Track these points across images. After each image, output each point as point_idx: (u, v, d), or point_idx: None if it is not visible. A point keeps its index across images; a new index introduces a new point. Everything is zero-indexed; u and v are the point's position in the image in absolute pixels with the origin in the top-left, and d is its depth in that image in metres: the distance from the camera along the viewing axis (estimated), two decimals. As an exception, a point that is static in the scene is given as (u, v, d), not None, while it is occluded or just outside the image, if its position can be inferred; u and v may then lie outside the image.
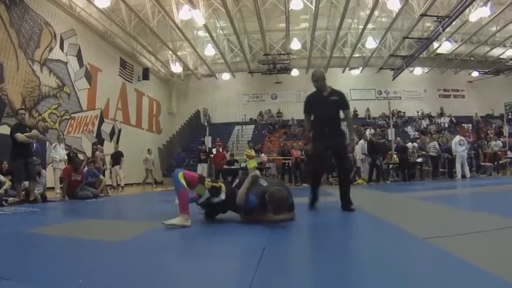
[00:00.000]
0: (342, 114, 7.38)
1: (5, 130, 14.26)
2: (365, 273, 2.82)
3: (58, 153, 16.38)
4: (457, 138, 19.99)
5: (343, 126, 7.56)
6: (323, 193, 9.49)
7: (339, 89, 7.49)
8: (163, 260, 3.51)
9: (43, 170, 13.71)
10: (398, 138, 22.51)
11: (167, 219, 5.04)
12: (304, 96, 7.65)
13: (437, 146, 20.90)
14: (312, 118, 7.53)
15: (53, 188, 15.66)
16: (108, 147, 22.09)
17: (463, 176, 19.30)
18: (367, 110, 36.36)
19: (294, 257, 3.48)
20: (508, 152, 24.14)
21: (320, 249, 3.81)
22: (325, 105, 7.17)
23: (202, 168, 21.09)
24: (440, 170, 21.17)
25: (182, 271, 3.13)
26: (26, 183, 11.29)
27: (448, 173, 20.79)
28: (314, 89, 7.45)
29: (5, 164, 12.18)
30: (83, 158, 17.82)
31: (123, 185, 20.11)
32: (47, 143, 18.49)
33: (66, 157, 16.45)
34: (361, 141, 20.33)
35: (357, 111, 35.49)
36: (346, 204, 6.88)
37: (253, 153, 20.17)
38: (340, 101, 7.30)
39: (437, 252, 3.30)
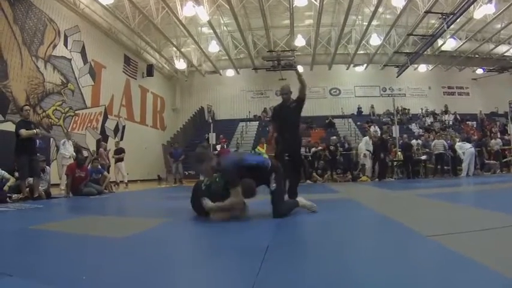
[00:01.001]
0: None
1: (9, 127, 14.29)
2: (370, 272, 2.80)
3: (67, 149, 16.43)
4: (460, 143, 20.24)
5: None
6: (326, 190, 9.47)
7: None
8: (166, 257, 3.50)
9: (47, 167, 13.72)
10: (405, 135, 22.47)
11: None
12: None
13: (445, 144, 20.81)
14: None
15: (57, 185, 15.70)
16: (113, 144, 22.06)
17: (467, 174, 19.32)
18: (372, 107, 36.30)
19: (297, 256, 3.45)
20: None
21: (324, 248, 3.79)
22: (289, 114, 8.61)
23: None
24: (445, 167, 21.14)
25: (185, 269, 3.12)
26: (30, 179, 11.32)
27: (452, 170, 20.77)
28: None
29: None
30: (86, 155, 17.83)
31: (126, 181, 20.11)
32: (51, 139, 18.54)
33: (74, 153, 16.52)
34: (366, 137, 20.34)
35: (361, 108, 35.48)
36: (291, 194, 7.95)
37: (264, 150, 19.04)
38: (296, 102, 8.74)
39: (441, 250, 3.28)
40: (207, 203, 5.53)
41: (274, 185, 5.59)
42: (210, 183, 5.76)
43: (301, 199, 6.14)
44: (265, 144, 19.10)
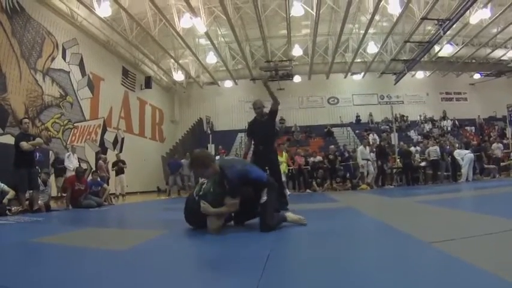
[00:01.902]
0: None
1: (8, 140, 14.31)
2: (372, 280, 2.79)
3: (71, 162, 16.52)
4: (458, 151, 20.36)
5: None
6: (326, 199, 9.46)
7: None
8: (166, 269, 3.49)
9: (49, 180, 13.75)
10: (401, 143, 22.48)
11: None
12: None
13: (438, 151, 20.81)
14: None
15: (60, 197, 15.73)
16: (112, 156, 22.05)
17: (467, 179, 19.35)
18: (370, 114, 36.44)
19: (299, 265, 3.45)
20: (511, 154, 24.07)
21: (326, 256, 3.78)
22: (262, 127, 8.94)
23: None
24: (444, 173, 21.15)
25: (186, 279, 3.12)
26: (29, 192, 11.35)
27: (452, 176, 20.78)
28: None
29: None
30: (85, 167, 17.83)
31: (124, 193, 20.10)
32: (50, 152, 18.55)
33: (78, 166, 16.60)
34: (361, 147, 20.37)
35: (359, 116, 35.55)
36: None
37: (284, 157, 17.60)
38: (269, 116, 9.01)
39: (444, 256, 3.28)
40: (207, 207, 5.29)
41: (265, 197, 5.40)
42: (204, 193, 5.54)
43: (289, 214, 5.98)
44: (284, 152, 17.98)
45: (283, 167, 16.08)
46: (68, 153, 17.27)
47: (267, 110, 8.96)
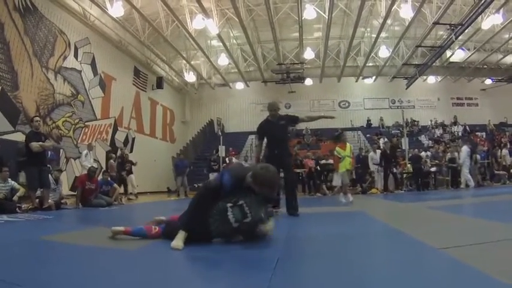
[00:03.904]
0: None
1: (19, 137, 14.38)
2: (382, 285, 2.79)
3: (88, 160, 16.62)
4: (466, 148, 20.01)
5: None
6: (336, 202, 9.42)
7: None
8: (175, 269, 3.50)
9: (61, 178, 13.81)
10: (411, 149, 22.43)
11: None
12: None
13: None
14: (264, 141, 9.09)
15: (68, 196, 15.77)
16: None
17: (467, 186, 19.29)
18: (381, 119, 36.34)
19: (308, 268, 3.44)
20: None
21: (335, 261, 3.77)
22: (275, 130, 8.69)
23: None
24: (446, 178, 21.14)
25: (194, 281, 3.12)
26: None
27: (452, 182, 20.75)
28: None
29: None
30: (96, 166, 17.91)
31: (135, 192, 20.12)
32: (61, 150, 18.64)
33: (95, 165, 16.73)
34: (371, 153, 20.38)
35: (370, 120, 35.45)
36: (291, 209, 8.19)
37: (347, 150, 13.45)
38: (286, 122, 8.89)
39: (453, 263, 3.27)
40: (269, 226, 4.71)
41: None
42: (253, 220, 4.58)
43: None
44: (348, 145, 13.71)
45: (346, 163, 13.20)
46: (85, 152, 17.37)
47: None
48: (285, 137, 8.97)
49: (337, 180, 14.96)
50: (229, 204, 4.56)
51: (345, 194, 12.95)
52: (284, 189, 8.80)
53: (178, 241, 4.25)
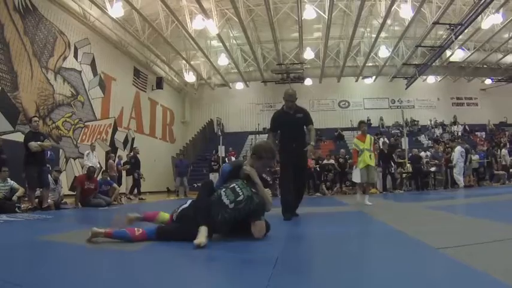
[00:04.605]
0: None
1: (19, 137, 14.37)
2: (381, 285, 2.79)
3: (91, 160, 16.63)
4: (459, 148, 19.94)
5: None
6: (336, 203, 9.44)
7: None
8: (175, 269, 3.49)
9: (60, 178, 13.82)
10: (410, 150, 22.44)
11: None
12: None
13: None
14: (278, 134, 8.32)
15: (68, 195, 15.79)
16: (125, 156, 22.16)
17: (457, 186, 19.31)
18: (381, 119, 36.33)
19: (308, 269, 3.44)
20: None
21: (334, 260, 3.77)
22: (292, 122, 7.96)
23: (214, 178, 20.89)
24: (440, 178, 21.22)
25: (194, 282, 3.12)
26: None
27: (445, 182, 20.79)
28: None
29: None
30: (99, 166, 17.96)
31: (135, 192, 20.15)
32: (60, 150, 18.66)
33: (98, 164, 16.76)
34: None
35: (370, 120, 35.44)
36: (294, 208, 7.70)
37: (367, 142, 11.70)
38: (305, 117, 8.09)
39: (452, 263, 3.26)
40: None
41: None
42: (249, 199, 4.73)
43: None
44: (368, 136, 11.79)
45: (365, 158, 11.51)
46: (87, 152, 17.43)
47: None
48: (301, 132, 8.13)
49: (356, 177, 12.45)
50: (222, 189, 4.80)
51: (364, 193, 11.91)
52: (295, 187, 7.86)
53: (202, 237, 4.23)
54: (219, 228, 4.71)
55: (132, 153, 21.12)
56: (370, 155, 11.52)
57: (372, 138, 12.15)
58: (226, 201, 4.67)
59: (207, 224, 4.40)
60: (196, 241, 4.15)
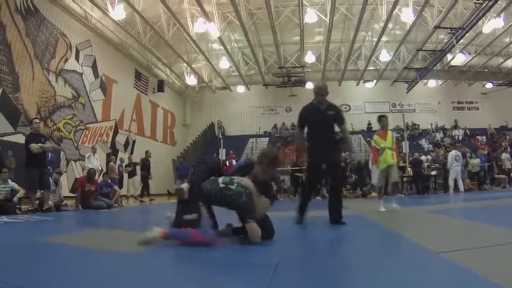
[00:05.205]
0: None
1: (20, 139, 14.39)
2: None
3: (92, 162, 16.63)
4: (453, 153, 19.84)
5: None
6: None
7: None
8: (174, 272, 3.50)
9: (60, 180, 13.83)
10: (412, 153, 22.41)
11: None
12: None
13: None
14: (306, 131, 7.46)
15: (69, 197, 15.79)
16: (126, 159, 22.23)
17: (457, 191, 19.20)
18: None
19: (308, 273, 3.43)
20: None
21: (334, 264, 3.78)
22: (322, 119, 7.19)
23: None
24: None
25: (195, 282, 3.12)
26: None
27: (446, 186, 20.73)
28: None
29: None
30: (101, 169, 17.98)
31: (135, 195, 20.18)
32: (61, 152, 18.67)
33: (100, 167, 16.80)
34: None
35: (370, 124, 35.39)
36: (336, 217, 6.83)
37: (388, 140, 10.33)
38: (337, 115, 7.34)
39: (452, 267, 3.26)
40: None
41: None
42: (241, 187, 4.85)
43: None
44: (389, 133, 10.55)
45: (387, 157, 10.12)
46: (88, 154, 17.46)
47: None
48: (332, 129, 7.28)
49: (377, 180, 11.15)
50: (223, 177, 5.04)
51: (392, 195, 10.83)
52: (328, 192, 7.52)
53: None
54: (200, 196, 4.84)
55: (144, 156, 21.51)
56: (392, 154, 10.18)
57: (394, 135, 10.92)
58: (220, 181, 4.90)
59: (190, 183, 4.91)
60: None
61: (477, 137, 34.01)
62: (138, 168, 20.86)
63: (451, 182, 19.24)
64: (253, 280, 3.02)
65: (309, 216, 7.12)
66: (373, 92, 37.33)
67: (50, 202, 11.67)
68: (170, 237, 4.57)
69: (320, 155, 7.06)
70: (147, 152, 21.85)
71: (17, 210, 10.54)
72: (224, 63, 31.98)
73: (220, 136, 33.04)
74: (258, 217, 4.81)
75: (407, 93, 35.57)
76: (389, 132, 10.54)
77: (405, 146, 23.23)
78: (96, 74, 23.00)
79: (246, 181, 4.91)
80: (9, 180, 11.34)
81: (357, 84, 35.92)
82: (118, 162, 20.33)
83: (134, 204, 17.85)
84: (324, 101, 7.32)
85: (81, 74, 21.47)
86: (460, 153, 19.84)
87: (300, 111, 7.54)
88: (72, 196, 15.99)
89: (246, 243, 4.63)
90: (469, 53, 30.04)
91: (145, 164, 20.81)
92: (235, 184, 4.82)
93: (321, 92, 7.34)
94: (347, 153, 8.04)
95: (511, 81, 33.53)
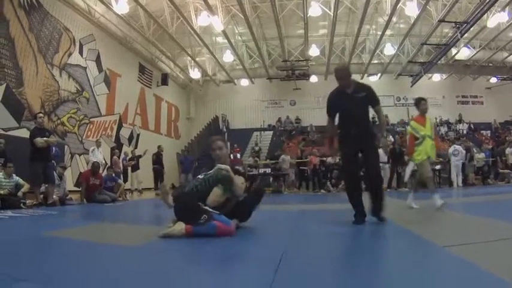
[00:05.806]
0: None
1: (24, 133, 14.41)
2: (387, 283, 2.79)
3: (96, 156, 16.66)
4: (452, 148, 19.89)
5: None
6: (340, 200, 9.40)
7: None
8: (178, 266, 3.51)
9: (65, 174, 13.86)
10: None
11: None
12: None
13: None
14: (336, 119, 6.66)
15: (73, 191, 15.83)
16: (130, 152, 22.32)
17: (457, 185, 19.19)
18: (386, 116, 36.09)
19: (313, 267, 3.42)
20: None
21: (339, 258, 3.78)
22: (351, 103, 6.38)
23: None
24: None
25: (197, 278, 3.12)
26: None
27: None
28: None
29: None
30: (105, 162, 18.02)
31: (140, 189, 20.23)
32: (66, 146, 18.69)
33: (103, 161, 16.85)
34: (380, 150, 20.31)
35: (375, 117, 35.31)
36: (377, 210, 6.21)
37: (428, 127, 9.01)
38: (368, 96, 6.61)
39: (457, 261, 3.26)
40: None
41: None
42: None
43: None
44: (428, 118, 9.29)
45: (426, 147, 8.76)
46: (93, 148, 17.52)
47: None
48: (365, 113, 6.58)
49: (425, 171, 9.12)
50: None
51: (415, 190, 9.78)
52: (366, 184, 6.66)
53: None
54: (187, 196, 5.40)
55: (157, 150, 22.63)
56: (432, 144, 8.88)
57: (433, 121, 9.97)
58: (200, 176, 5.55)
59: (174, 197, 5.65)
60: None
61: (481, 131, 33.90)
62: (140, 161, 20.97)
63: (453, 177, 19.25)
64: (256, 275, 3.01)
65: (313, 210, 7.07)
66: (377, 86, 36.29)
67: (54, 196, 11.70)
68: (194, 235, 4.54)
69: (353, 142, 6.31)
70: (159, 146, 22.21)
71: (21, 204, 10.57)
72: (228, 57, 31.82)
73: (225, 129, 33.06)
74: (239, 193, 5.32)
75: (411, 87, 35.39)
76: (428, 118, 9.22)
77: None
78: (100, 68, 23.00)
79: (219, 165, 5.50)
80: (13, 175, 11.36)
81: (361, 78, 35.60)
82: (122, 156, 20.40)
83: (138, 198, 17.86)
84: (349, 84, 6.54)
85: (85, 68, 21.47)
86: (458, 148, 19.87)
87: (327, 98, 6.83)
88: (77, 190, 16.04)
89: (248, 237, 4.64)
90: (474, 47, 29.91)
91: (158, 158, 21.78)
92: (210, 173, 5.41)
93: (340, 75, 6.57)
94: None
95: (515, 75, 33.42)
